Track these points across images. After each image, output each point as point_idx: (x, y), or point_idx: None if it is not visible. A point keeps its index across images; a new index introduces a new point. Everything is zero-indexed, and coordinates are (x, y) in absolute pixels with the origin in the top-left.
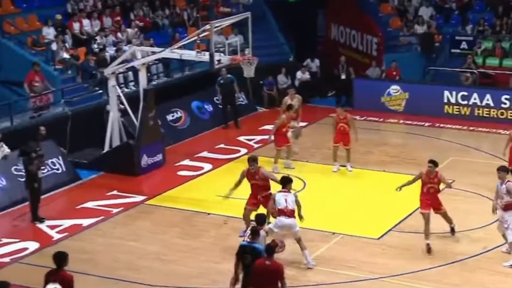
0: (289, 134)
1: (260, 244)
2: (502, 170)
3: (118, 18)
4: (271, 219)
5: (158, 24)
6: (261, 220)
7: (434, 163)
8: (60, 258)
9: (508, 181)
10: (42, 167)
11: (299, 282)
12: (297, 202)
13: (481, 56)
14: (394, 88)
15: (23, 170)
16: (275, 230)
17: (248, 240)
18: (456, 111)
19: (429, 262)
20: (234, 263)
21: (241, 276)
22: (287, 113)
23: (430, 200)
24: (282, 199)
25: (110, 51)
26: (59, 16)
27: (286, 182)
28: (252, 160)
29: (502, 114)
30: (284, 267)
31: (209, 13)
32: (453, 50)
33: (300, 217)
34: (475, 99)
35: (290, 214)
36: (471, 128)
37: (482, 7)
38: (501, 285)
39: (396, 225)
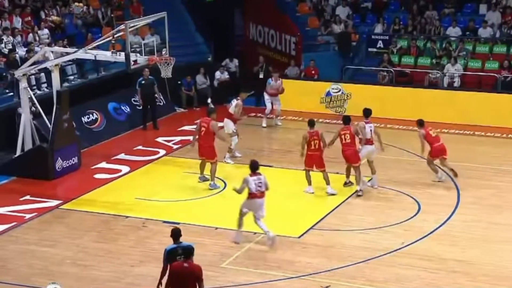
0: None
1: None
2: None
3: (29, 18)
4: None
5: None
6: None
7: None
8: None
9: None
10: None
11: (220, 283)
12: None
13: (397, 55)
14: (335, 88)
15: None
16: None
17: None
18: None
19: (350, 259)
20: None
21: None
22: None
23: None
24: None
25: (21, 52)
26: None
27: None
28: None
29: None
30: (204, 268)
31: (124, 13)
32: (369, 49)
33: None
34: None
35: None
36: (389, 125)
37: (397, 6)
38: (417, 280)
39: (316, 224)
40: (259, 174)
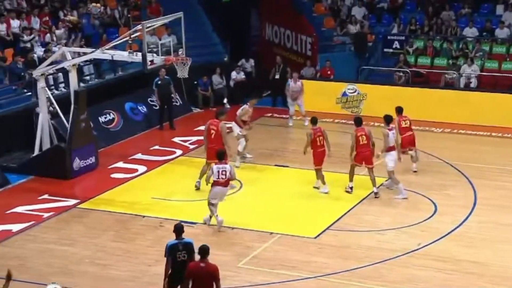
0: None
1: (189, 238)
2: None
3: (47, 18)
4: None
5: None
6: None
7: None
8: None
9: None
10: None
11: (237, 283)
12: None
13: (413, 56)
14: (350, 89)
15: None
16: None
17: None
18: None
19: (366, 260)
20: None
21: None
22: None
23: None
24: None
25: (39, 52)
26: None
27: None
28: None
29: None
30: (220, 268)
31: (141, 13)
32: (385, 50)
33: None
34: None
35: None
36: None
37: (413, 7)
38: (430, 281)
39: (332, 224)
40: (225, 163)
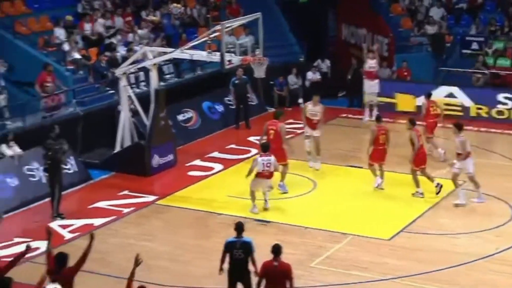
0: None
1: (249, 237)
2: None
3: (130, 18)
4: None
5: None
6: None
7: None
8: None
9: None
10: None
11: (310, 283)
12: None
13: (492, 57)
14: None
15: (45, 166)
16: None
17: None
18: None
19: (440, 263)
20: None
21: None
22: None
23: None
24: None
25: (122, 51)
26: (69, 17)
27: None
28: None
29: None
30: (293, 267)
31: (220, 13)
32: (464, 51)
33: None
34: None
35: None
36: (482, 129)
37: (493, 7)
38: (508, 286)
39: (406, 226)
40: (269, 155)
